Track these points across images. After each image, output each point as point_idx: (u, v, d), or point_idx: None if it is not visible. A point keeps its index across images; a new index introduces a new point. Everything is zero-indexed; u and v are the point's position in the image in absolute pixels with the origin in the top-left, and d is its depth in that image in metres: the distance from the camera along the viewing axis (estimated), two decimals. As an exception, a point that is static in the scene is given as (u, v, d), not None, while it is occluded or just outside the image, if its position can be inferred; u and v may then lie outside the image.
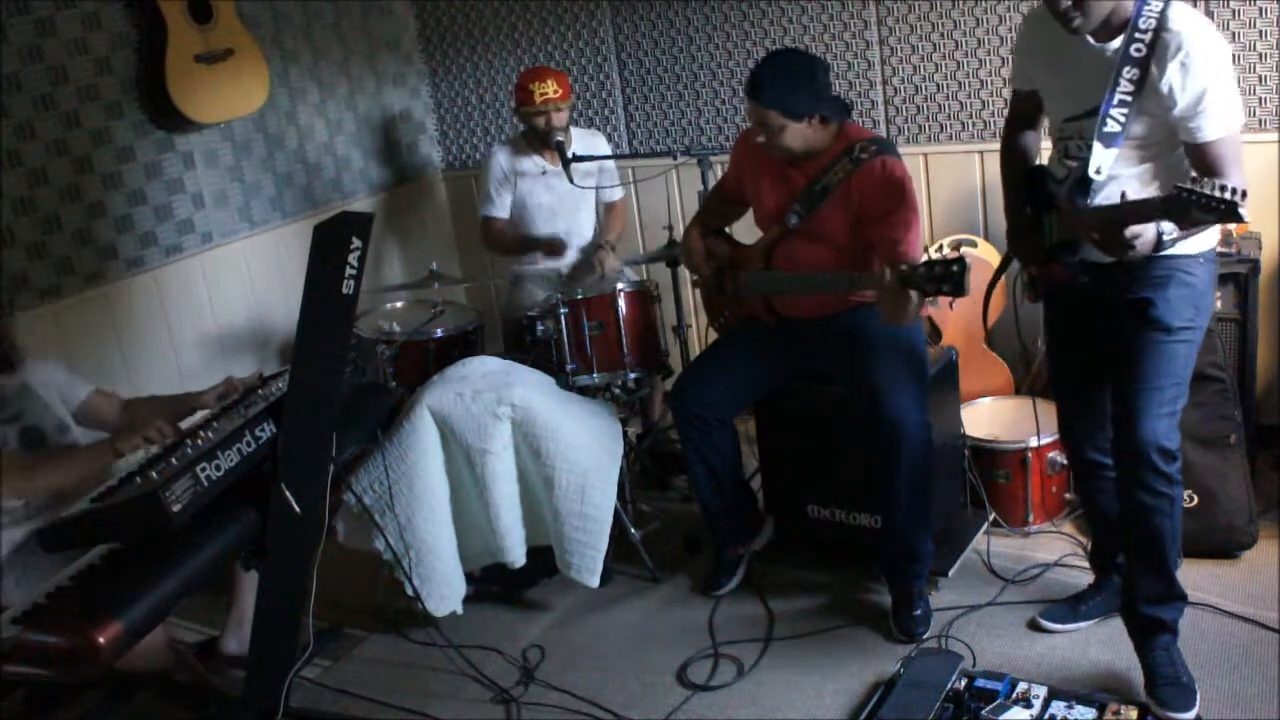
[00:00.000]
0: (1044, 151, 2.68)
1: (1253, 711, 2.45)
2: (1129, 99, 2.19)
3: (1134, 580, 2.51)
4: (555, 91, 3.70)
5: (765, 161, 3.01)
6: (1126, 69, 2.18)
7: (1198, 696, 2.44)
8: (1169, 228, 2.12)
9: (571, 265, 3.98)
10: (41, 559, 2.42)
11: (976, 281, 2.82)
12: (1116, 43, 2.20)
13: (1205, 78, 2.14)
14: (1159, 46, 2.15)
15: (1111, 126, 2.21)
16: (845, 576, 3.19)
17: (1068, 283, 2.36)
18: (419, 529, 2.95)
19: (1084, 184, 2.26)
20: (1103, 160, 2.23)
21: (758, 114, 2.84)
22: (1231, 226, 3.20)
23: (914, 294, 2.61)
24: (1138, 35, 2.16)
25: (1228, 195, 1.93)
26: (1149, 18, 2.16)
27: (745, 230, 3.23)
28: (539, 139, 3.81)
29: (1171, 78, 2.14)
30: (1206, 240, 2.37)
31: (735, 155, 3.16)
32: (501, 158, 3.93)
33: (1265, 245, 3.31)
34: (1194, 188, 1.97)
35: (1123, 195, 2.15)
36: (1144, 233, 2.13)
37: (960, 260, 2.55)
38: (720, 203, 3.27)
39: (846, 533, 3.20)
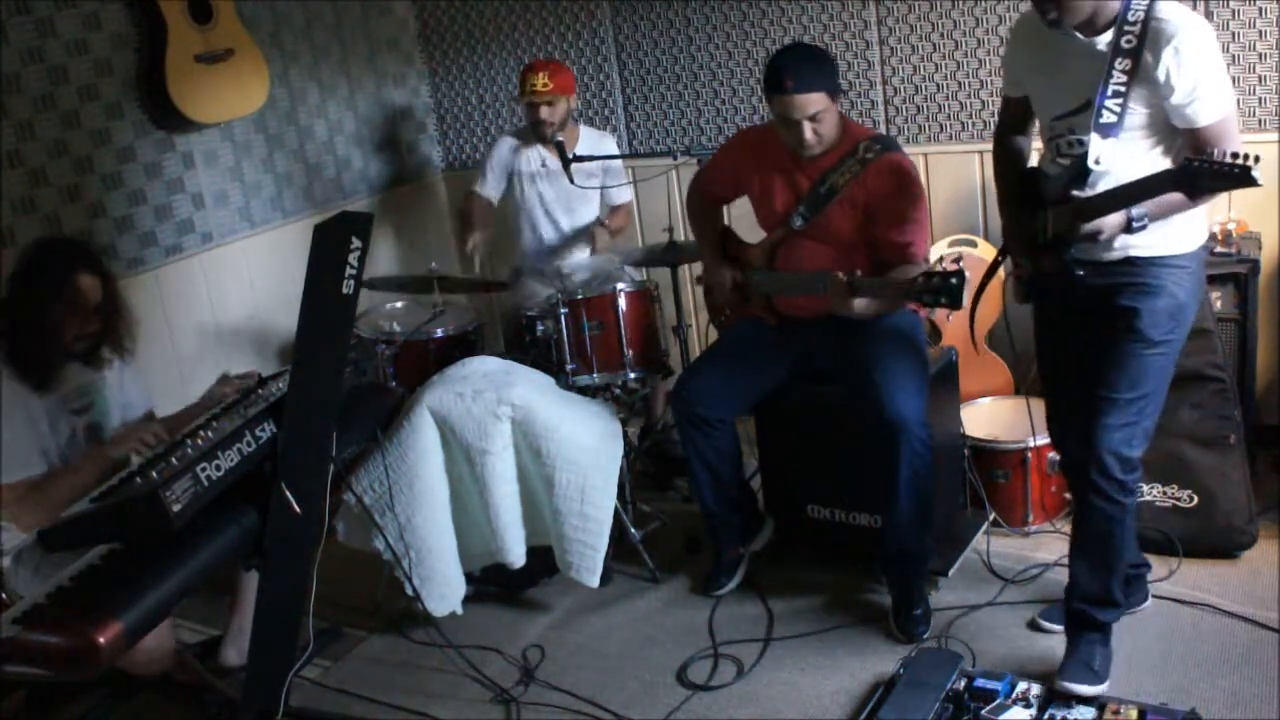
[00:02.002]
0: (1034, 154, 2.69)
1: (1253, 711, 2.45)
2: (1123, 89, 2.23)
3: (1074, 575, 2.57)
4: (544, 85, 3.70)
5: (768, 162, 3.00)
6: (1119, 60, 2.22)
7: (1105, 685, 2.50)
8: (1139, 210, 2.18)
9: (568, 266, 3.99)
10: None
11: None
12: (1106, 36, 2.24)
13: (1199, 65, 2.18)
14: (1150, 36, 2.19)
15: (1107, 117, 2.24)
16: (845, 576, 3.18)
17: (1063, 277, 2.36)
18: (419, 529, 2.95)
19: (1083, 175, 2.27)
20: (1100, 150, 2.25)
21: (799, 106, 2.77)
22: (1231, 226, 3.23)
23: (856, 301, 2.68)
24: (1127, 28, 2.21)
25: (1240, 160, 1.97)
26: (1137, 10, 2.21)
27: (747, 230, 3.23)
28: (535, 131, 3.82)
29: (1167, 65, 2.18)
30: (1192, 239, 2.38)
31: (733, 157, 3.13)
32: (505, 146, 3.96)
33: (1265, 245, 3.31)
34: (1204, 157, 2.01)
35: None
36: (1102, 225, 2.21)
37: (959, 273, 2.55)
38: (713, 204, 3.27)
39: (846, 533, 3.20)
